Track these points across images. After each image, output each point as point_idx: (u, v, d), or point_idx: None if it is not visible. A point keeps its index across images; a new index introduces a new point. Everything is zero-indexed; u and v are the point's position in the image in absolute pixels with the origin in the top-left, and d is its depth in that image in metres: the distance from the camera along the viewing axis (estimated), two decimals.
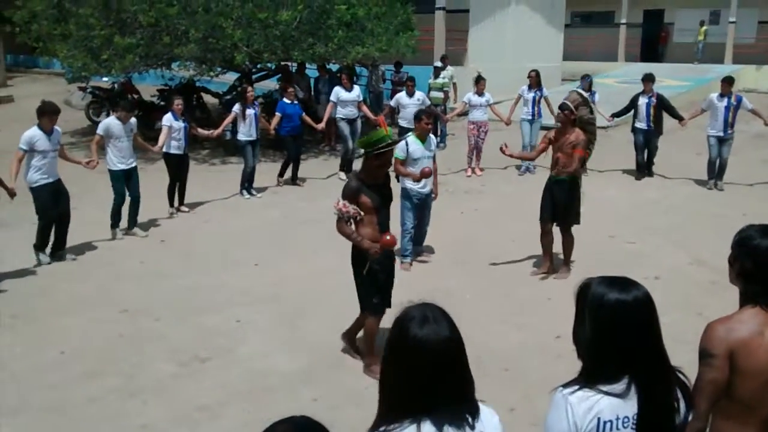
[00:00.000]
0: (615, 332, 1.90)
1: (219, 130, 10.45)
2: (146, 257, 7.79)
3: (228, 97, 14.88)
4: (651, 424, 1.89)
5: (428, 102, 12.21)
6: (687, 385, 2.03)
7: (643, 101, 11.20)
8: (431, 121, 7.42)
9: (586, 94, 7.30)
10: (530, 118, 11.98)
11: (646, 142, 11.32)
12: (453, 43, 18.62)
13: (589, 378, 1.93)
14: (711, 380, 2.23)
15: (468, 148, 12.02)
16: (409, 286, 6.85)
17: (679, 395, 1.97)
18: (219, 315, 6.14)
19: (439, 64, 14.74)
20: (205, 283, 6.95)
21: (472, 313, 5.80)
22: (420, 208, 7.40)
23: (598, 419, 1.88)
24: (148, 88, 15.86)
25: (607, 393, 1.88)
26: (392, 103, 12.39)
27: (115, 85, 15.82)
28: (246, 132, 10.36)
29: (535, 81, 11.96)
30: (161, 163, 9.82)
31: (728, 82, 10.66)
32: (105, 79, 15.17)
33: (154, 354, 5.41)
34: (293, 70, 15.18)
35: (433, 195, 7.49)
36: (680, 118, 11.08)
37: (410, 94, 11.73)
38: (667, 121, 11.36)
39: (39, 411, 4.62)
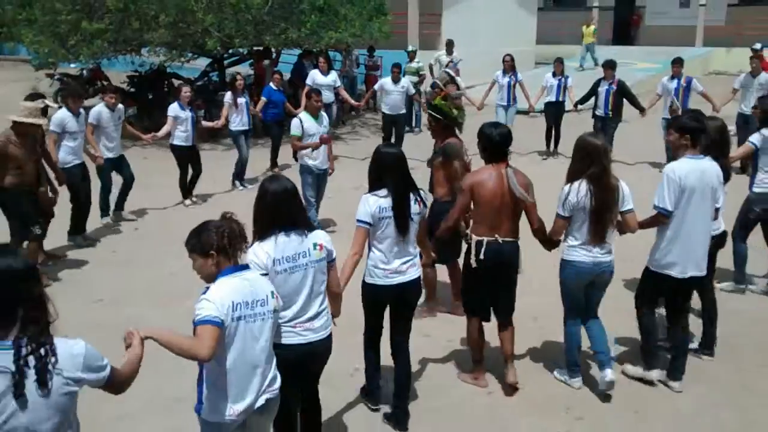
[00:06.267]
0: (386, 166, 3.97)
1: (222, 120, 9.98)
2: (118, 246, 7.69)
3: (200, 83, 14.69)
4: (398, 210, 3.92)
5: (413, 90, 12.10)
6: (422, 195, 4.08)
7: (603, 88, 11.03)
8: (320, 99, 7.76)
9: (453, 75, 7.57)
10: (505, 103, 11.98)
11: (604, 130, 10.87)
12: (426, 27, 18.58)
13: (373, 190, 3.97)
14: (461, 203, 4.49)
15: None
16: None
17: (418, 198, 4.02)
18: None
19: (411, 48, 14.70)
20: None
21: (439, 293, 6.01)
22: (317, 184, 7.75)
23: (379, 206, 3.91)
24: (118, 75, 15.58)
25: (380, 196, 3.93)
26: (376, 87, 12.31)
27: (84, 72, 15.52)
28: (239, 121, 10.06)
29: (509, 66, 11.91)
30: (145, 152, 9.43)
31: (678, 63, 10.69)
32: (73, 65, 14.88)
33: None
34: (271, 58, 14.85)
35: (329, 170, 7.85)
36: (641, 109, 11.01)
37: (395, 81, 11.60)
38: (628, 107, 11.24)
39: None
